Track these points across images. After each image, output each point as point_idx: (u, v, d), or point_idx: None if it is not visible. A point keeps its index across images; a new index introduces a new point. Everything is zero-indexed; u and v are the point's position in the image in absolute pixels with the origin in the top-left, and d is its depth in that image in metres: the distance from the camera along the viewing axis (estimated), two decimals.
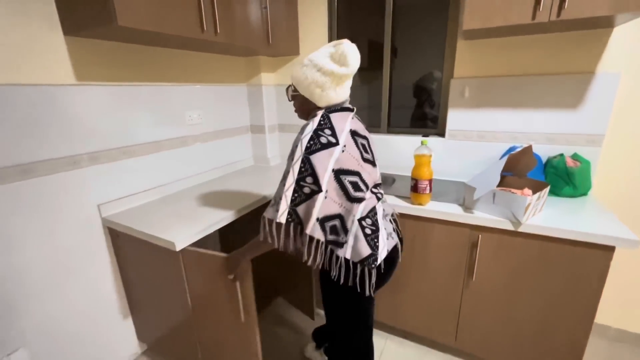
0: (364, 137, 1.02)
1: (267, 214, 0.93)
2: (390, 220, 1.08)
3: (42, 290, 1.21)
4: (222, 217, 1.32)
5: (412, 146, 1.85)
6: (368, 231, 0.95)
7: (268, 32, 1.68)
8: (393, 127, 2.01)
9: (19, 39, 1.07)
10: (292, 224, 0.89)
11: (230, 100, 2.00)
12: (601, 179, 1.48)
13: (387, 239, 1.01)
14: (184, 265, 1.20)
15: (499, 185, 1.26)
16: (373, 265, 0.93)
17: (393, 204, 1.41)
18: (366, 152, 1.00)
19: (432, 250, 1.41)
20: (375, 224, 0.97)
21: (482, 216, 1.26)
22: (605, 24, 1.25)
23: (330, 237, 0.93)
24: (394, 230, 1.08)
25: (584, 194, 1.43)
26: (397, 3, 1.81)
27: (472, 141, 1.70)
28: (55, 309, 1.26)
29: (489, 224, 1.25)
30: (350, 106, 1.02)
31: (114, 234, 1.39)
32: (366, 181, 0.97)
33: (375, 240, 0.95)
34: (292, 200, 0.88)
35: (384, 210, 1.05)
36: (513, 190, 1.28)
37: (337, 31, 1.97)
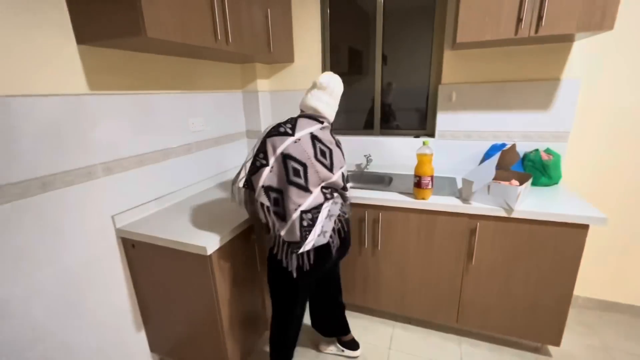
0: (327, 147, 1.24)
1: (233, 179, 1.22)
2: (336, 220, 1.23)
3: (60, 307, 1.17)
4: (242, 220, 1.36)
5: (405, 146, 2.01)
6: (305, 224, 1.14)
7: (269, 40, 1.75)
8: (384, 130, 2.16)
9: (31, 48, 1.04)
10: (247, 190, 1.18)
11: (228, 107, 2.03)
12: (569, 169, 1.73)
13: (319, 235, 1.16)
14: (212, 269, 1.22)
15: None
16: (295, 251, 1.14)
17: (395, 199, 1.54)
18: (323, 156, 1.21)
19: (435, 240, 1.56)
20: (313, 220, 1.16)
21: (478, 206, 1.43)
22: (568, 39, 1.49)
23: (274, 208, 1.16)
24: (335, 230, 1.22)
25: (556, 182, 1.66)
26: (386, 12, 1.95)
27: (459, 140, 1.89)
28: (72, 327, 1.22)
29: (485, 212, 1.42)
30: (321, 119, 1.26)
31: (129, 244, 1.37)
32: (309, 175, 1.16)
33: (307, 233, 1.14)
34: (249, 171, 1.17)
35: (329, 210, 1.20)
36: (501, 182, 1.47)
37: (330, 39, 2.08)
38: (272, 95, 2.22)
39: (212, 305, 1.28)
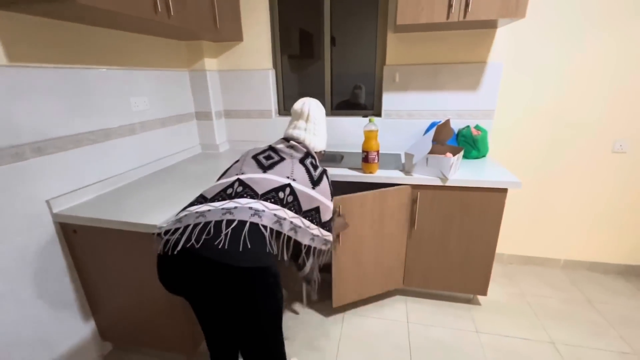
0: (278, 154, 1.19)
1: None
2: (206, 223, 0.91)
3: None
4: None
5: (354, 126, 2.11)
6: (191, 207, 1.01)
7: (215, 16, 1.70)
8: (335, 110, 2.23)
9: None
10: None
11: (174, 86, 1.94)
12: (495, 143, 1.96)
13: (182, 232, 0.89)
14: None
15: (429, 151, 1.59)
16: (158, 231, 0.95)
17: (346, 174, 1.63)
18: (265, 158, 1.16)
19: (385, 212, 1.68)
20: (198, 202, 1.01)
21: (419, 177, 1.58)
22: (492, 25, 1.67)
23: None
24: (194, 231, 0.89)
25: (484, 155, 1.89)
26: None
27: (403, 119, 2.03)
28: (10, 317, 1.14)
29: (424, 182, 1.57)
30: (286, 137, 1.28)
31: (69, 230, 1.29)
32: (231, 166, 1.19)
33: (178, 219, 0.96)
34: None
35: (224, 209, 0.94)
36: (438, 154, 1.63)
37: (279, 19, 2.07)
38: (221, 75, 2.16)
39: None
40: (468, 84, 1.88)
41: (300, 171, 1.13)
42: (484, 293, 1.74)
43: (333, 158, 2.04)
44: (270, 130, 2.22)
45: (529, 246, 2.16)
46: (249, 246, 0.87)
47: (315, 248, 1.09)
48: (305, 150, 1.22)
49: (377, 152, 1.61)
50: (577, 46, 1.75)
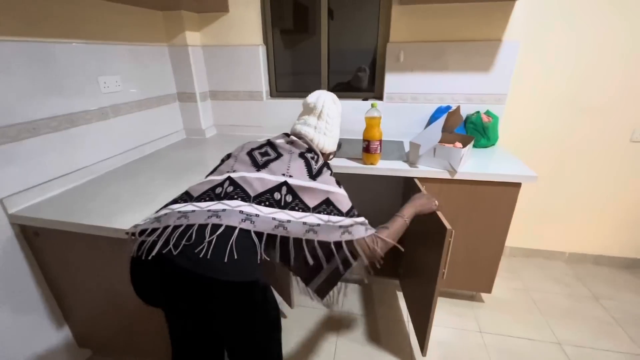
0: (276, 151, 1.03)
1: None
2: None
3: None
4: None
5: (353, 110, 1.92)
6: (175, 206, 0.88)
7: None
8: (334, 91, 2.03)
9: None
10: None
11: (151, 64, 1.72)
12: (505, 131, 1.81)
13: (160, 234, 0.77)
14: None
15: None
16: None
17: (344, 165, 1.48)
18: (261, 154, 1.01)
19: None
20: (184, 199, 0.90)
21: (425, 169, 1.43)
22: None
23: None
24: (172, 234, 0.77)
25: (494, 144, 1.74)
26: None
27: (407, 103, 1.86)
28: None
29: (431, 175, 1.43)
30: (287, 133, 1.16)
31: (30, 232, 1.13)
32: (222, 161, 1.06)
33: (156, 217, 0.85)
34: None
35: (211, 211, 0.83)
36: (446, 144, 1.48)
37: None
38: (205, 51, 1.94)
39: None
40: (480, 64, 1.70)
41: (298, 165, 0.98)
42: (489, 291, 1.65)
43: None
44: (261, 113, 2.03)
45: (533, 238, 2.07)
46: (236, 257, 0.74)
47: (357, 241, 0.85)
48: (307, 146, 1.07)
49: (380, 141, 1.45)
50: (599, 26, 1.57)
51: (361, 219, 0.92)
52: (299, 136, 1.11)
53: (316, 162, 1.02)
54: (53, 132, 1.22)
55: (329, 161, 1.25)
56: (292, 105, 1.97)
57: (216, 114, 2.10)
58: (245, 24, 1.85)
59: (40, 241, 1.14)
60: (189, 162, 1.55)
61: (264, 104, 2.01)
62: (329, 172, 1.02)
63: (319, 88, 2.00)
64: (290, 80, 2.10)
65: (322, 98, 1.14)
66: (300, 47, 2.04)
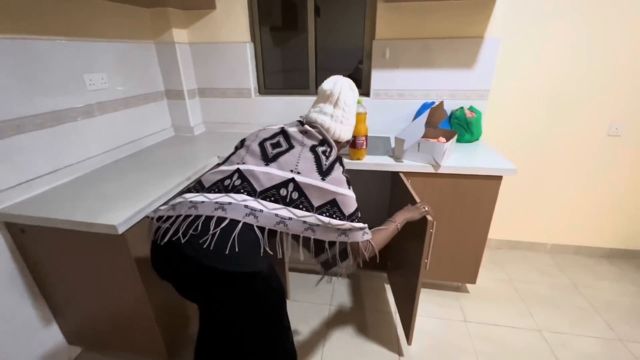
0: (288, 142, 1.01)
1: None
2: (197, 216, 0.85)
3: None
4: (164, 192, 1.20)
5: None
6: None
7: None
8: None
9: None
10: None
11: (138, 61, 1.72)
12: (489, 126, 1.86)
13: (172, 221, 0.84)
14: (129, 250, 1.07)
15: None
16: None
17: None
18: (272, 146, 1.00)
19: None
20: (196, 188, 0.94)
21: (409, 164, 1.47)
22: None
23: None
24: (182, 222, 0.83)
25: (477, 139, 1.79)
26: None
27: (393, 99, 1.89)
28: None
29: (415, 170, 1.47)
30: (301, 119, 1.11)
31: (16, 229, 1.13)
32: (235, 151, 1.06)
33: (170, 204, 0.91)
34: None
35: (218, 203, 0.86)
36: (430, 139, 1.52)
37: None
38: (192, 48, 1.94)
39: (137, 289, 1.15)
40: (463, 61, 1.74)
41: (307, 161, 0.96)
42: (473, 281, 1.70)
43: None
44: (250, 111, 2.04)
45: (517, 231, 2.13)
46: (237, 249, 0.80)
47: (350, 244, 0.94)
48: (321, 137, 1.02)
49: (366, 136, 1.48)
50: (578, 24, 1.62)
51: (360, 225, 0.94)
52: (314, 125, 1.05)
53: (327, 157, 0.99)
54: (38, 129, 1.22)
55: (343, 149, 1.22)
56: (281, 103, 1.99)
57: (204, 112, 2.11)
58: (233, 21, 1.86)
59: (27, 238, 1.14)
60: (177, 160, 1.56)
61: (253, 101, 2.02)
62: (341, 168, 1.00)
63: (307, 85, 2.04)
64: (279, 77, 2.12)
65: (339, 84, 1.08)
66: (289, 44, 2.06)
